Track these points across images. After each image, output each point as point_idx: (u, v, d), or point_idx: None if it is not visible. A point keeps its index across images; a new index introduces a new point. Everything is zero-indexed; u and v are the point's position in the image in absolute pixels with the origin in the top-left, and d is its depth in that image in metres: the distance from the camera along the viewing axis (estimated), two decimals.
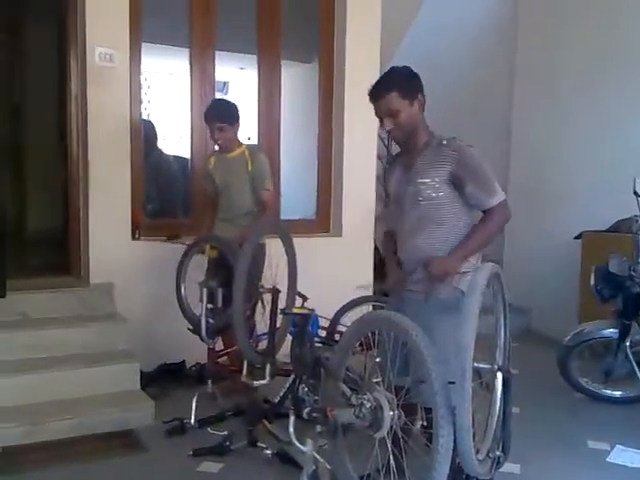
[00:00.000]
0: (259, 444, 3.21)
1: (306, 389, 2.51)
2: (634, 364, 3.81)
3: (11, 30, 6.01)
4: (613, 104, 5.22)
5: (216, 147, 3.96)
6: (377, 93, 2.46)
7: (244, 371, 3.45)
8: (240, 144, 3.87)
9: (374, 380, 2.34)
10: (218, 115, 3.73)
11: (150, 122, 4.91)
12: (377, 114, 2.51)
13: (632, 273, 3.80)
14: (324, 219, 5.13)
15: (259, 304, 3.57)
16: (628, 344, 3.83)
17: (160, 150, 5.11)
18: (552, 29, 5.79)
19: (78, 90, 4.19)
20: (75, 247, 4.30)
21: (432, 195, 2.42)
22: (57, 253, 4.76)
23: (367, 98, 2.50)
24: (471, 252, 2.42)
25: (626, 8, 5.17)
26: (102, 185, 4.11)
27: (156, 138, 4.96)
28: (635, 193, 3.84)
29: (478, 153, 2.44)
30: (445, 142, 2.43)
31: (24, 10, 5.93)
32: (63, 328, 3.77)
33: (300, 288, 3.55)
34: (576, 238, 5.13)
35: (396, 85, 2.43)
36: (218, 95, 5.04)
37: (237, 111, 3.81)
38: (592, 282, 3.96)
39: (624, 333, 3.84)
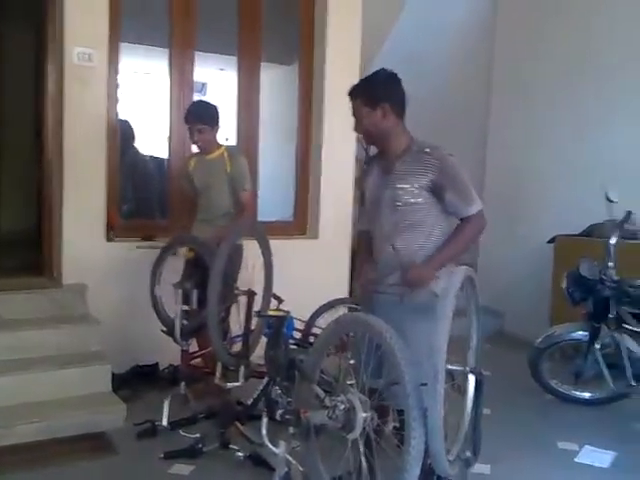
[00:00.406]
0: (231, 446, 3.19)
1: (279, 391, 2.52)
2: (603, 366, 3.88)
3: None
4: (588, 111, 5.31)
5: (195, 149, 3.96)
6: (349, 96, 2.56)
7: (217, 373, 3.45)
8: (219, 146, 3.86)
9: (348, 382, 2.35)
10: (198, 117, 3.73)
11: (127, 121, 4.87)
12: (352, 113, 2.58)
13: (602, 277, 3.86)
14: (301, 221, 5.14)
15: (234, 306, 3.57)
16: (598, 347, 3.89)
17: (137, 150, 5.07)
18: (529, 36, 5.87)
19: (55, 89, 4.14)
20: (48, 248, 4.26)
21: (410, 201, 2.44)
22: (31, 254, 4.70)
23: (346, 101, 2.57)
24: (447, 260, 2.45)
25: (604, 10, 5.24)
26: (77, 185, 4.07)
27: (133, 137, 4.92)
28: (607, 198, 3.92)
29: (458, 162, 2.48)
30: (428, 150, 2.46)
31: (1, 10, 5.85)
32: (36, 330, 3.72)
33: (276, 290, 3.56)
34: (549, 242, 5.21)
35: (360, 92, 2.51)
36: (196, 96, 5.03)
37: (217, 113, 3.81)
38: (564, 285, 4.03)
39: (594, 336, 3.91)
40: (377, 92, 2.49)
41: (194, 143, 3.84)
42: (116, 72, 4.29)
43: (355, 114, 2.54)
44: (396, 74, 2.53)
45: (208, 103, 3.96)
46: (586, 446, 3.47)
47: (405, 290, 2.40)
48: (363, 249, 2.76)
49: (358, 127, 2.56)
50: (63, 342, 3.74)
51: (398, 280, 2.44)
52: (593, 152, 5.26)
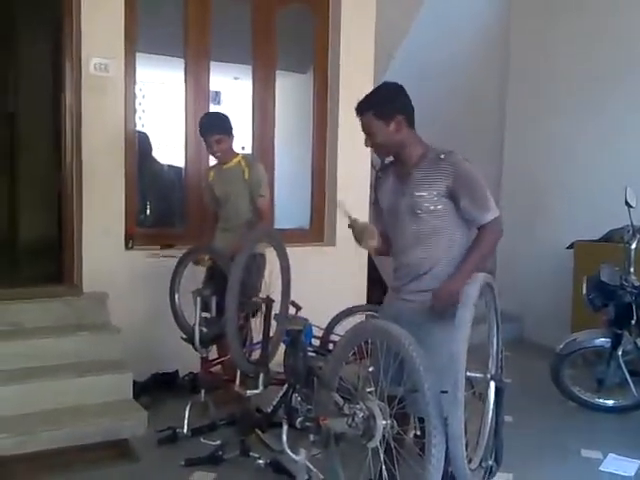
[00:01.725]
0: (252, 454, 3.20)
1: (299, 398, 2.52)
2: (626, 373, 3.83)
3: (5, 41, 6.02)
4: (608, 115, 5.26)
5: (213, 160, 3.99)
6: (357, 111, 2.50)
7: (237, 380, 3.45)
8: (236, 154, 3.89)
9: (367, 390, 2.34)
10: (214, 128, 3.77)
11: (144, 134, 4.92)
12: (362, 129, 2.54)
13: (624, 282, 3.82)
14: (318, 228, 5.14)
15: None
16: (620, 353, 3.85)
17: (154, 159, 5.11)
18: (546, 36, 5.82)
19: (73, 100, 4.19)
20: (69, 256, 4.30)
21: (430, 208, 2.43)
22: (50, 262, 4.75)
23: None
24: (472, 272, 2.41)
25: (625, 9, 5.17)
26: (96, 195, 4.12)
27: (150, 149, 4.97)
28: (626, 203, 3.87)
29: (475, 168, 2.45)
30: (443, 156, 2.44)
31: (19, 21, 5.95)
32: (56, 337, 3.76)
33: (294, 297, 3.55)
34: (568, 248, 5.16)
35: (372, 106, 2.45)
36: (212, 105, 5.07)
37: (230, 122, 3.85)
38: (584, 291, 3.99)
39: (616, 342, 3.86)
40: (390, 105, 2.45)
41: (212, 154, 3.87)
42: (133, 82, 4.35)
43: (365, 129, 2.49)
44: (401, 85, 2.52)
45: (219, 113, 4.00)
46: (610, 454, 3.42)
47: (436, 309, 2.39)
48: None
49: (369, 142, 2.51)
50: (84, 350, 3.77)
51: (419, 288, 2.44)
52: (613, 156, 5.21)
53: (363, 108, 2.48)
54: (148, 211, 4.83)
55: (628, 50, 5.12)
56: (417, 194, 2.44)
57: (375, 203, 2.74)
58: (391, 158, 2.64)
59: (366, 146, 2.57)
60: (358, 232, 2.59)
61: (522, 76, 6.07)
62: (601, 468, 3.29)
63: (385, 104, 2.46)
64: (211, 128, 3.76)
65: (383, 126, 2.45)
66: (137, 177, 4.46)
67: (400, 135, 2.47)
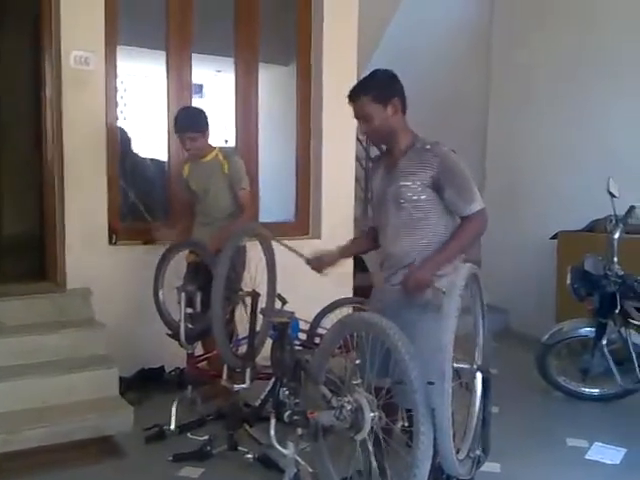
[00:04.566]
0: (240, 448, 3.19)
1: (287, 392, 2.51)
2: (611, 362, 3.86)
3: None
4: (589, 104, 5.28)
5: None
6: (353, 96, 2.50)
7: (224, 375, 3.43)
8: (212, 148, 3.85)
9: (354, 382, 2.34)
10: (188, 126, 3.70)
11: (121, 128, 4.85)
12: (355, 116, 2.53)
13: (607, 272, 3.85)
14: (303, 221, 5.12)
15: (239, 307, 3.56)
16: (605, 342, 3.88)
17: (136, 153, 5.06)
18: (527, 26, 5.82)
19: (53, 94, 4.14)
20: (51, 252, 4.25)
21: (413, 198, 2.43)
22: (33, 259, 4.69)
23: (345, 100, 2.53)
24: (445, 261, 2.42)
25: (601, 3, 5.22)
26: (78, 189, 4.07)
27: (129, 143, 4.90)
28: (609, 193, 3.90)
29: (460, 159, 2.46)
30: (429, 146, 2.44)
31: None
32: (40, 335, 3.72)
33: (279, 291, 3.54)
34: (552, 238, 5.19)
35: (370, 89, 2.46)
36: (194, 98, 5.01)
37: (206, 118, 3.78)
38: (568, 281, 4.01)
39: (601, 331, 3.89)
40: (387, 88, 2.47)
41: (187, 151, 3.83)
42: (114, 75, 4.29)
43: (360, 115, 2.49)
44: (395, 73, 2.52)
45: (195, 109, 3.94)
46: (596, 443, 3.44)
47: (406, 294, 2.39)
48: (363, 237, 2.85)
49: (365, 127, 2.50)
50: (68, 347, 3.74)
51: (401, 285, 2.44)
52: (595, 147, 5.24)
53: (359, 92, 2.47)
54: (131, 206, 4.77)
55: (614, 35, 5.12)
56: (401, 183, 2.45)
57: (371, 198, 2.75)
58: (377, 151, 2.64)
59: (360, 134, 2.57)
60: (315, 265, 2.81)
61: (504, 65, 6.07)
62: (587, 456, 3.32)
63: (383, 87, 2.47)
64: (185, 126, 3.70)
65: (380, 109, 2.45)
66: (120, 172, 4.40)
67: (395, 119, 2.48)
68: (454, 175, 2.42)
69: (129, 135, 4.88)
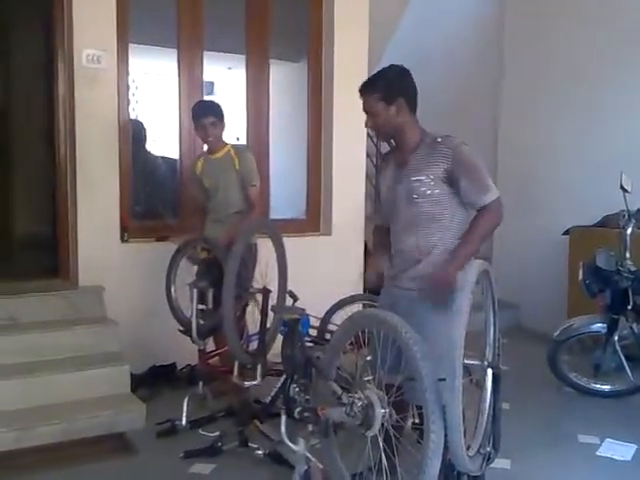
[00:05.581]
0: (251, 444, 3.20)
1: (297, 389, 2.51)
2: (622, 358, 3.84)
3: None
4: (602, 99, 5.23)
5: (205, 147, 3.96)
6: (361, 91, 2.53)
7: (235, 372, 3.45)
8: (225, 144, 3.87)
9: (365, 378, 2.34)
10: (208, 111, 3.76)
11: (139, 122, 4.89)
12: (362, 109, 2.56)
13: (619, 268, 3.83)
14: (314, 218, 5.13)
15: (250, 304, 3.57)
16: (616, 338, 3.87)
17: (148, 151, 5.08)
18: (541, 21, 5.78)
19: (66, 92, 4.16)
20: (64, 250, 4.28)
21: (427, 192, 2.43)
22: (45, 256, 4.73)
23: (356, 97, 2.55)
24: (469, 257, 2.41)
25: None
26: (90, 187, 4.10)
27: (145, 138, 4.93)
28: (622, 188, 3.87)
29: (472, 150, 2.45)
30: (440, 140, 2.45)
31: (10, 13, 5.88)
32: (52, 332, 3.75)
33: (290, 287, 3.55)
34: (564, 234, 5.16)
35: (376, 88, 2.48)
36: (205, 96, 5.03)
37: (223, 110, 3.83)
38: (580, 277, 3.99)
39: (612, 327, 3.87)
40: (393, 87, 2.47)
41: (204, 139, 3.84)
42: (126, 73, 4.31)
43: (367, 109, 2.52)
44: (407, 69, 2.52)
45: (212, 101, 3.97)
46: (607, 439, 3.43)
47: (433, 295, 2.38)
48: (377, 241, 2.76)
49: (370, 122, 2.53)
50: (81, 344, 3.77)
51: (416, 275, 2.43)
52: (608, 142, 5.19)
53: (367, 88, 2.50)
54: (143, 203, 4.79)
55: (627, 32, 5.08)
56: (414, 179, 2.44)
57: (377, 195, 2.74)
58: (387, 147, 2.64)
59: (366, 126, 2.58)
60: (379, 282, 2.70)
61: (518, 60, 6.02)
62: (598, 453, 3.31)
63: (388, 87, 2.47)
64: (205, 111, 3.76)
65: (384, 108, 2.46)
66: (132, 169, 4.43)
67: (400, 118, 2.48)
68: (468, 166, 2.41)
69: (145, 129, 4.90)
